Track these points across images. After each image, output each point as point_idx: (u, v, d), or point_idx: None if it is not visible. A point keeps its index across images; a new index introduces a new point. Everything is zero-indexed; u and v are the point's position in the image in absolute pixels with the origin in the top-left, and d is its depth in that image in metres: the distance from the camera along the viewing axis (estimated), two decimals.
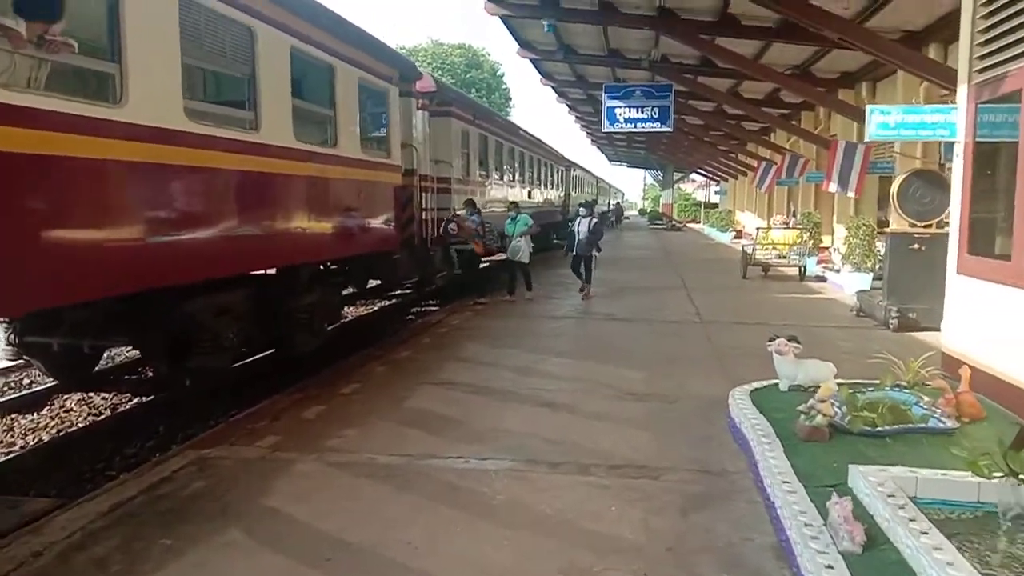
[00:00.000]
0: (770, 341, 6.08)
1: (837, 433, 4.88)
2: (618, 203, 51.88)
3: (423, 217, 11.96)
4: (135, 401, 7.50)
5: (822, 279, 16.96)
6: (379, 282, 12.47)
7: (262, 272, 7.50)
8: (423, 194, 12.00)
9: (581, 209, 14.19)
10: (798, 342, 6.04)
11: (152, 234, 5.39)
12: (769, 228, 20.54)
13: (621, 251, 27.66)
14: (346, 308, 13.51)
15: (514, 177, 19.97)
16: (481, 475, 4.74)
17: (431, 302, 14.52)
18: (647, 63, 18.43)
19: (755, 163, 30.51)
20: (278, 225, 6.98)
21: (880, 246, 14.55)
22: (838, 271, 16.53)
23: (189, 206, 5.78)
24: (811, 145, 21.94)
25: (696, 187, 73.50)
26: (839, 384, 5.95)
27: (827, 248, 19.55)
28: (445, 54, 63.78)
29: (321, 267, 8.52)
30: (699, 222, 54.96)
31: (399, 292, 15.12)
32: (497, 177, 17.56)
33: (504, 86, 68.02)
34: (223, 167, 6.09)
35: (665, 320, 11.08)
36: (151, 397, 7.47)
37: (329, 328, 9.19)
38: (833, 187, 14.84)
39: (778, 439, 4.83)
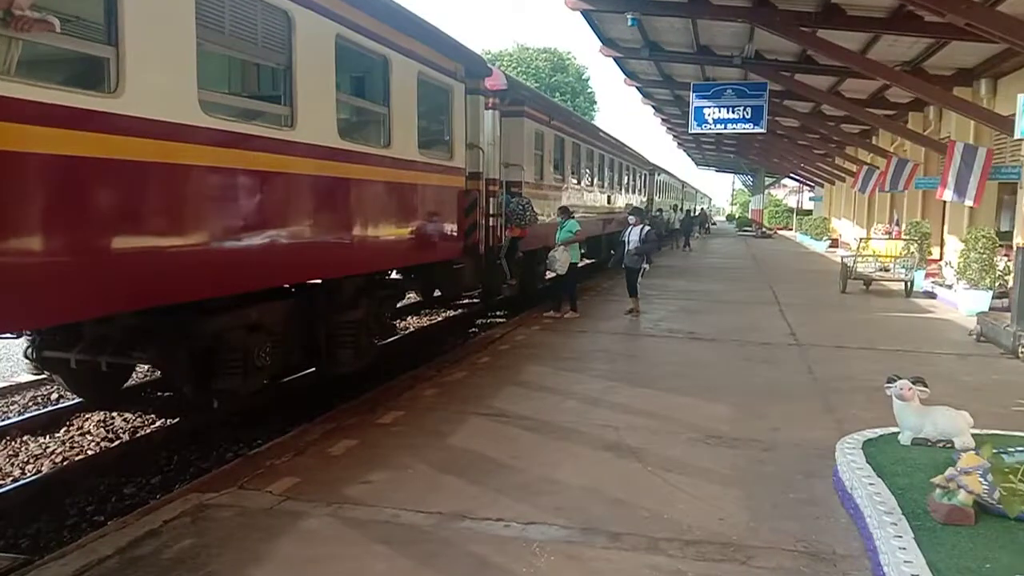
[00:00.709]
0: (889, 382, 4.95)
1: (984, 514, 3.76)
2: (703, 209, 49.90)
3: (490, 223, 11.14)
4: (158, 424, 6.91)
5: (931, 295, 15.32)
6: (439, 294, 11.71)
7: (302, 285, 6.82)
8: (490, 199, 11.18)
9: (631, 217, 12.51)
10: (925, 384, 4.90)
11: (166, 244, 4.73)
12: (869, 238, 18.90)
13: (706, 259, 26.27)
14: (409, 318, 12.87)
15: (592, 182, 18.99)
16: (522, 547, 3.83)
17: (498, 313, 13.70)
18: (739, 60, 17.17)
19: (855, 167, 28.56)
20: (318, 234, 6.27)
21: (1001, 261, 12.95)
22: (950, 287, 14.87)
23: (210, 212, 5.11)
24: (919, 148, 20.16)
25: (788, 192, 70.69)
26: (972, 435, 4.82)
27: (936, 261, 17.79)
28: (530, 58, 63.48)
29: (372, 279, 7.79)
30: (791, 229, 52.54)
31: (466, 302, 14.37)
32: (574, 182, 16.63)
33: (589, 90, 67.04)
34: (252, 168, 5.39)
35: (756, 341, 9.91)
36: (176, 420, 6.86)
37: (381, 343, 8.47)
38: (948, 195, 13.30)
39: (905, 518, 3.75)
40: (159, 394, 7.74)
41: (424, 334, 11.40)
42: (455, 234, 9.21)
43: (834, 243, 33.53)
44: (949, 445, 4.74)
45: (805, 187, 53.62)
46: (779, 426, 6.08)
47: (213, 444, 6.40)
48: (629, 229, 12.30)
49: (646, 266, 12.24)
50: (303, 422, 6.21)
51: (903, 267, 15.59)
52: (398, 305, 10.86)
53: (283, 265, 5.97)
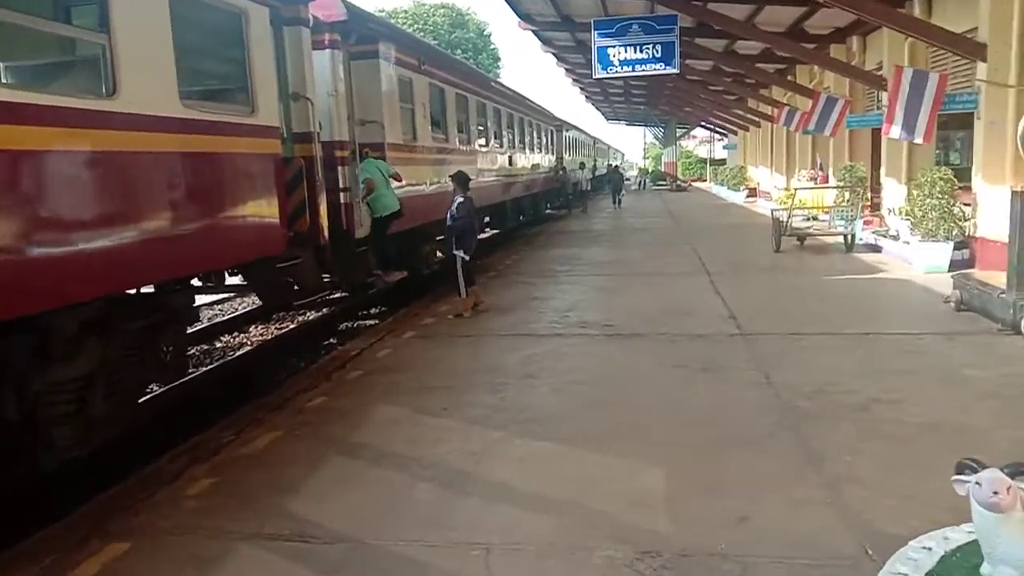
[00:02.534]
0: (959, 475, 2.65)
1: None
2: (616, 165, 46.80)
3: (340, 200, 8.51)
4: None
5: (875, 249, 13.52)
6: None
7: None
8: (339, 168, 8.54)
9: (451, 182, 9.32)
10: None
11: None
12: (789, 189, 16.99)
13: (621, 220, 24.19)
14: (253, 329, 10.10)
15: (488, 141, 16.38)
16: None
17: (372, 311, 11.08)
18: None
19: (771, 110, 26.83)
20: None
21: (959, 207, 11.11)
22: (896, 238, 13.09)
23: None
24: (842, 83, 18.32)
25: (698, 143, 69.79)
26: None
27: (870, 208, 16.03)
28: (427, 14, 60.55)
29: (120, 304, 5.11)
30: (705, 180, 51.26)
31: (338, 296, 11.70)
32: (462, 142, 13.99)
33: (492, 46, 64.37)
34: None
35: (689, 333, 7.67)
36: None
37: (146, 397, 5.83)
38: (897, 132, 11.30)
39: None
40: None
41: (261, 354, 8.66)
42: (271, 221, 6.54)
43: (752, 192, 32.04)
44: None
45: (716, 136, 52.28)
46: (745, 510, 3.77)
47: None
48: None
49: (462, 255, 8.87)
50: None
51: (842, 218, 13.67)
52: (203, 325, 8.18)
53: None
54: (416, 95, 10.95)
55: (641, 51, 15.35)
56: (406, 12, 59.72)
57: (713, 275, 11.38)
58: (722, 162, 48.62)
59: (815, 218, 16.22)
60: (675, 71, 15.67)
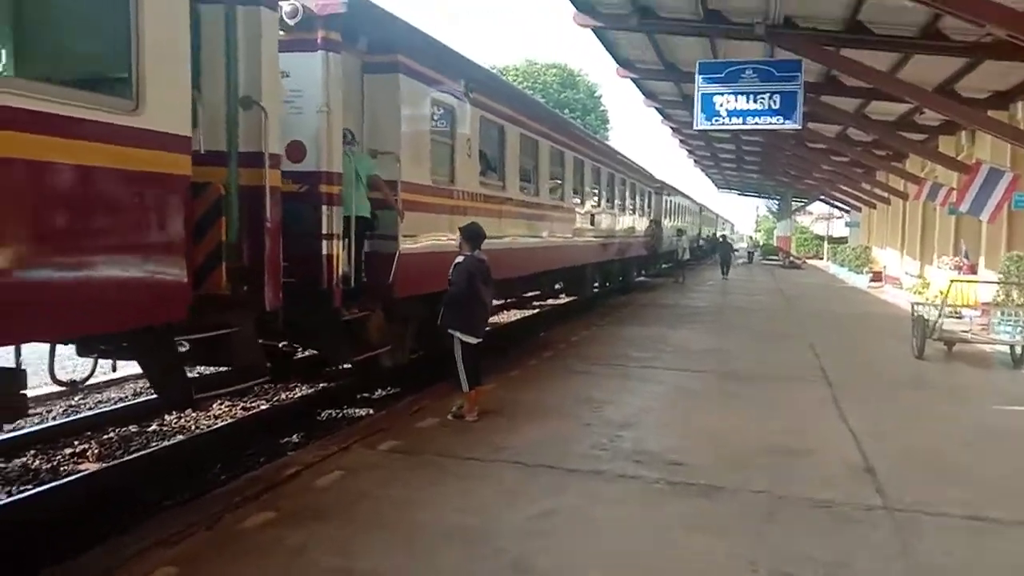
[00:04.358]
0: None
1: None
2: (724, 236, 42.96)
3: (324, 251, 6.28)
4: None
5: None
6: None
7: None
8: (328, 208, 6.36)
9: (462, 253, 6.55)
10: None
11: None
12: (923, 276, 13.78)
13: (722, 295, 21.21)
14: (217, 404, 7.89)
15: (563, 195, 14.01)
16: None
17: (374, 394, 8.70)
18: (763, 28, 12.30)
19: (904, 185, 23.53)
20: None
21: None
22: None
23: None
24: (1002, 150, 15.09)
25: (814, 219, 65.76)
26: None
27: None
28: (538, 73, 60.17)
29: None
30: (821, 259, 47.27)
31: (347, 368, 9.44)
32: (527, 193, 11.64)
33: (601, 107, 63.08)
34: None
35: (799, 495, 4.89)
36: None
37: None
38: None
39: None
40: None
41: (179, 452, 6.33)
42: (163, 275, 4.33)
43: (876, 276, 28.29)
44: None
45: (835, 212, 48.46)
46: None
47: None
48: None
49: (459, 336, 6.41)
50: None
51: (1010, 323, 10.40)
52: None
53: None
54: (458, 128, 8.71)
55: (755, 101, 12.80)
56: (517, 69, 59.44)
57: (836, 387, 8.48)
58: (842, 240, 44.58)
59: (958, 316, 13.06)
60: (796, 126, 12.97)
